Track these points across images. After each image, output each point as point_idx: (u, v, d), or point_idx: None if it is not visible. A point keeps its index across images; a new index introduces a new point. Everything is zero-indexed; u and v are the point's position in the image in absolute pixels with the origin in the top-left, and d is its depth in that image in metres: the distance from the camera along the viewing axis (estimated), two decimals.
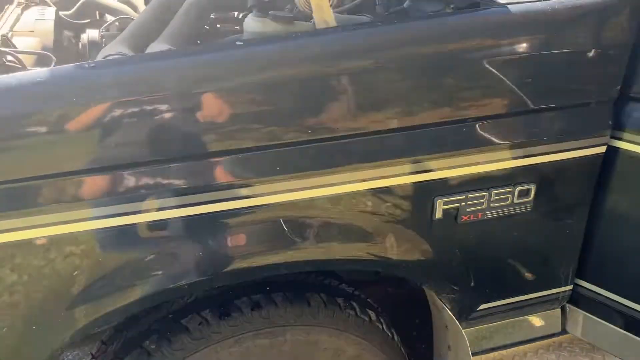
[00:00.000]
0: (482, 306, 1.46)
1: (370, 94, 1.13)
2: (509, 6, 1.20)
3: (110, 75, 0.98)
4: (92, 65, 0.99)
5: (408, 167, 1.18)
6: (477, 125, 1.21)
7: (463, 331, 1.42)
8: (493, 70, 1.19)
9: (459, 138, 1.19)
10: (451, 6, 1.36)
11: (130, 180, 0.99)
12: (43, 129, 0.94)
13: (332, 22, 1.15)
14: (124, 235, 1.02)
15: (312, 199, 1.14)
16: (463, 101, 1.19)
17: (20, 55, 1.42)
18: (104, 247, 1.01)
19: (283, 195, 1.11)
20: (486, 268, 1.39)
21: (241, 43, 1.06)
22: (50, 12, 1.95)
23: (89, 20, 2.34)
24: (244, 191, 1.08)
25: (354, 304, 1.42)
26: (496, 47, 1.18)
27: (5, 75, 0.98)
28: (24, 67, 1.50)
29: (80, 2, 2.34)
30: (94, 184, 0.97)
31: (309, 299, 1.35)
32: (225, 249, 1.10)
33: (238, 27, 1.98)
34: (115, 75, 0.99)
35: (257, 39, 1.26)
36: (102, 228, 1.00)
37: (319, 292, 1.38)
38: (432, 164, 1.19)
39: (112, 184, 0.98)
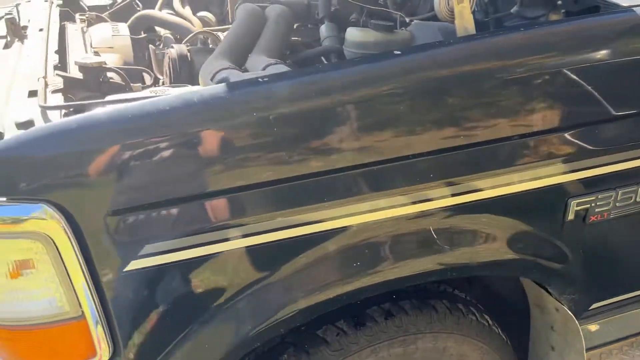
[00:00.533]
0: (597, 304, 1.47)
1: (512, 99, 1.14)
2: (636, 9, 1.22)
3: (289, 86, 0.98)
4: (266, 79, 0.98)
5: (547, 170, 1.20)
6: (608, 127, 1.23)
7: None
8: (621, 73, 1.21)
9: (594, 140, 1.21)
10: (562, 10, 1.39)
11: None
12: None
13: (472, 30, 1.16)
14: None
15: (461, 205, 1.14)
16: (595, 105, 1.21)
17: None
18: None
19: (435, 202, 1.12)
20: (607, 266, 1.40)
21: (399, 52, 1.06)
22: (123, 27, 1.93)
23: (144, 35, 2.32)
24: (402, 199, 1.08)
25: (473, 310, 1.42)
26: (622, 52, 1.20)
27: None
28: (127, 84, 1.48)
29: (134, 17, 2.33)
30: None
31: (435, 306, 1.35)
32: (393, 256, 1.10)
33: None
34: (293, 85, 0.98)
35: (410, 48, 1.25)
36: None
37: (441, 298, 1.39)
38: (569, 166, 1.21)
39: None
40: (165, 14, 2.39)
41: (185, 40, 1.91)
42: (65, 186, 0.89)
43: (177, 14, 2.46)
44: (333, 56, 1.72)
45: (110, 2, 2.54)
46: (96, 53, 1.58)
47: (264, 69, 1.45)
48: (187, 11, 2.51)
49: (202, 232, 0.95)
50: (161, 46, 2.32)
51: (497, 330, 1.47)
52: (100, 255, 0.92)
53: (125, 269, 0.93)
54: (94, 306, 0.94)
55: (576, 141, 1.20)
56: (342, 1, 2.05)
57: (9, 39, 1.73)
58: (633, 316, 1.55)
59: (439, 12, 1.29)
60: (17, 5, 2.39)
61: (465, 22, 1.15)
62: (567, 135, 1.20)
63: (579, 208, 1.26)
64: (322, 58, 1.69)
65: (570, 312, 1.42)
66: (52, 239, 0.89)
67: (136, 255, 0.93)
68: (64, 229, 0.89)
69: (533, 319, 1.61)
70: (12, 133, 1.02)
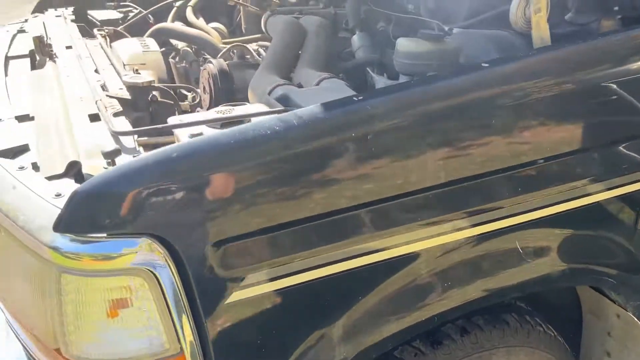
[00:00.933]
0: None
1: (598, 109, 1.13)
2: None
3: None
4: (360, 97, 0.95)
5: (622, 180, 1.19)
6: None
7: None
8: None
9: None
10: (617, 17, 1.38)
11: None
12: None
13: (549, 40, 1.14)
14: None
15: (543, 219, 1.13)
16: None
17: None
18: None
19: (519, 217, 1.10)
20: None
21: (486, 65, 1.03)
22: (152, 42, 1.88)
23: (163, 49, 2.26)
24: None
25: (539, 321, 1.41)
26: None
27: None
28: (176, 103, 1.43)
29: (152, 30, 2.27)
30: None
31: (507, 320, 1.33)
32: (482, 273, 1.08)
33: None
34: None
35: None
36: None
37: (510, 312, 1.37)
38: None
39: None
40: (183, 27, 2.33)
41: (220, 54, 1.86)
42: (166, 219, 0.84)
43: (192, 26, 2.41)
44: (375, 66, 1.69)
45: (121, 15, 2.46)
46: (136, 71, 1.52)
47: (317, 83, 1.42)
48: (201, 22, 2.46)
49: (305, 258, 0.91)
50: (177, 59, 2.26)
51: (562, 340, 1.46)
52: (201, 287, 0.87)
53: (227, 301, 0.89)
54: (193, 342, 0.89)
55: None
56: (369, 10, 2.03)
57: (38, 57, 1.66)
58: None
59: (514, 21, 1.27)
60: (26, 20, 2.31)
61: (542, 33, 1.13)
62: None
63: None
64: (368, 69, 1.66)
65: (635, 318, 1.42)
66: (154, 274, 0.84)
67: (239, 285, 0.89)
68: (167, 263, 0.84)
69: (586, 326, 1.60)
70: (94, 162, 0.96)
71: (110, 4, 2.63)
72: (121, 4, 2.66)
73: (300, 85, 1.45)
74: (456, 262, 1.05)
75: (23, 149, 1.07)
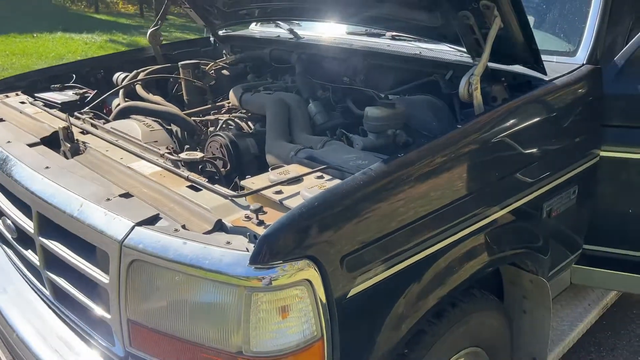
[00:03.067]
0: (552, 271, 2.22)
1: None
2: None
3: None
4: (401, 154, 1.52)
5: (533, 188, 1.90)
6: None
7: None
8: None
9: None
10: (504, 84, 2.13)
11: None
12: None
13: (482, 107, 1.82)
14: None
15: None
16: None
17: None
18: None
19: None
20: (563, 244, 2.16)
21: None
22: (150, 121, 2.23)
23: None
24: None
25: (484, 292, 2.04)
26: None
27: None
28: (224, 169, 1.84)
29: (118, 109, 2.56)
30: None
31: (474, 293, 1.94)
32: None
33: None
34: None
35: None
36: None
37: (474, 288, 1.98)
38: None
39: None
40: (148, 104, 2.66)
41: (218, 127, 2.27)
42: (315, 244, 1.29)
43: (147, 101, 2.74)
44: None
45: (77, 97, 2.70)
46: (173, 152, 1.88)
47: (323, 144, 1.93)
48: (157, 97, 2.81)
49: (392, 258, 1.43)
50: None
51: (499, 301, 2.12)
52: (335, 287, 1.33)
53: (349, 295, 1.36)
54: (329, 327, 1.34)
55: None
56: (307, 82, 2.61)
57: (69, 145, 1.92)
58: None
59: (462, 94, 1.89)
60: None
61: (479, 102, 1.80)
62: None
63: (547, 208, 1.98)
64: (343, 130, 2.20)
65: (544, 279, 2.12)
66: (311, 283, 1.28)
67: (355, 283, 1.37)
68: (318, 274, 1.29)
69: (507, 293, 2.28)
70: (231, 218, 1.38)
71: (55, 86, 2.84)
72: (65, 85, 2.88)
73: (310, 147, 1.94)
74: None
75: (156, 218, 1.43)
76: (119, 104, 2.66)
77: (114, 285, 1.42)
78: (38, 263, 1.75)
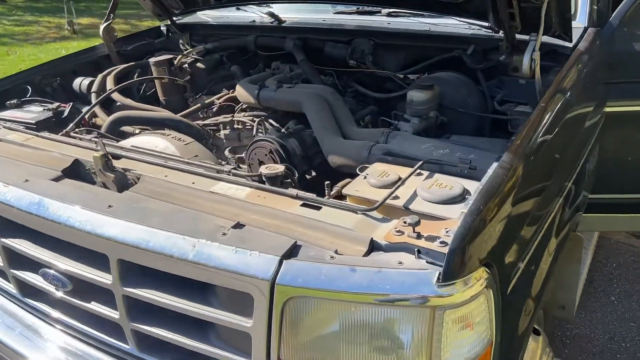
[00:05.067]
0: None
1: None
2: None
3: None
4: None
5: None
6: None
7: None
8: None
9: None
10: None
11: None
12: None
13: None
14: None
15: None
16: None
17: None
18: None
19: None
20: None
21: None
22: (176, 133, 1.99)
23: None
24: None
25: None
26: None
27: None
28: (293, 180, 1.71)
29: (110, 121, 2.29)
30: None
31: None
32: None
33: None
34: None
35: None
36: None
37: None
38: None
39: None
40: (141, 111, 2.38)
41: (242, 133, 2.10)
42: (489, 247, 1.26)
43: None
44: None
45: (50, 114, 2.33)
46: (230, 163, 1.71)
47: (386, 137, 1.86)
48: (142, 104, 2.53)
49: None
50: None
51: None
52: (502, 288, 1.31)
53: (508, 292, 1.35)
54: (498, 328, 1.32)
55: None
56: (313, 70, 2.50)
57: (106, 175, 1.67)
58: None
59: (525, 70, 1.90)
60: None
61: (539, 77, 1.83)
62: None
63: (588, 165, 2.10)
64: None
65: (581, 235, 2.26)
66: (489, 290, 1.25)
67: (510, 279, 1.36)
68: (493, 279, 1.26)
69: None
70: (379, 235, 1.30)
71: (11, 102, 2.44)
72: (23, 100, 2.49)
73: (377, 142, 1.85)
74: None
75: (296, 246, 1.29)
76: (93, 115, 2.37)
77: (260, 328, 1.28)
78: (117, 316, 1.52)
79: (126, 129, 2.40)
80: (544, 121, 1.65)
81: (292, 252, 1.28)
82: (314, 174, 2.13)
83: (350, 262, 1.23)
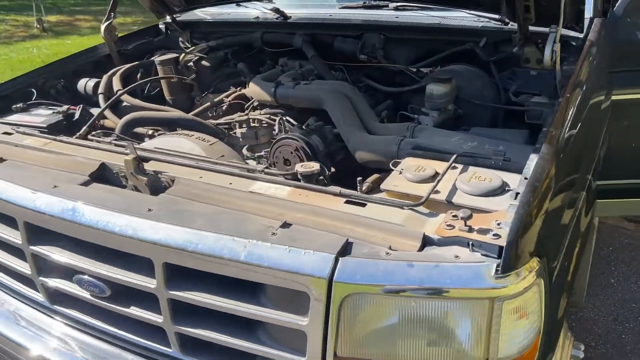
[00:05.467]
0: None
1: None
2: None
3: None
4: None
5: None
6: None
7: None
8: None
9: None
10: None
11: None
12: None
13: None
14: None
15: None
16: None
17: None
18: None
19: None
20: None
21: None
22: (200, 134, 1.98)
23: None
24: None
25: None
26: None
27: None
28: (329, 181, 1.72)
29: (123, 123, 2.26)
30: None
31: None
32: None
33: None
34: None
35: None
36: None
37: None
38: None
39: None
40: (154, 112, 2.35)
41: (259, 131, 2.09)
42: (539, 237, 1.29)
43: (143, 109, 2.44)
44: None
45: (60, 117, 2.29)
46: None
47: (412, 132, 1.88)
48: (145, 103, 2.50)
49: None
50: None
51: None
52: (550, 276, 1.35)
53: (553, 281, 1.38)
54: (546, 316, 1.35)
55: None
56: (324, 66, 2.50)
57: (137, 178, 1.65)
58: None
59: (546, 62, 1.93)
60: None
61: (559, 68, 1.86)
62: None
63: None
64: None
65: (595, 223, 2.32)
66: (541, 279, 1.28)
67: (554, 267, 1.40)
68: (544, 268, 1.29)
69: None
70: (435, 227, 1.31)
71: (17, 106, 2.39)
72: (29, 104, 2.44)
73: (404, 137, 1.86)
74: None
75: (348, 244, 1.30)
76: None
77: (316, 325, 1.29)
78: (160, 320, 1.51)
79: (139, 130, 2.37)
80: (571, 112, 1.69)
81: (346, 249, 1.29)
82: (332, 170, 2.14)
83: (407, 257, 1.25)
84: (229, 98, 2.63)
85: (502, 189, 1.46)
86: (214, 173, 1.66)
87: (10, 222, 1.74)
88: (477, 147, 1.72)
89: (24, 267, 1.77)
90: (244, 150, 2.21)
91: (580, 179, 1.71)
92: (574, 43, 2.17)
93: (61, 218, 1.57)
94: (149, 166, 1.72)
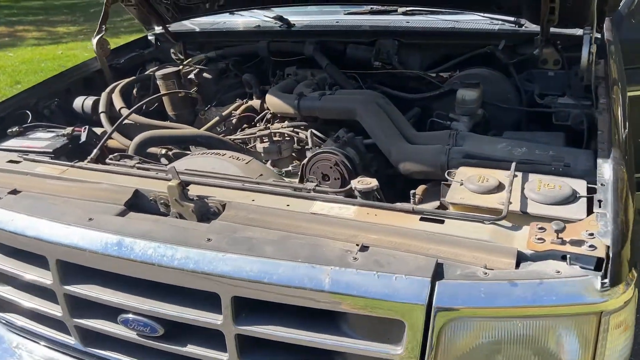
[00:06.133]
0: None
1: None
2: None
3: None
4: None
5: None
6: None
7: None
8: None
9: None
10: None
11: None
12: None
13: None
14: None
15: None
16: None
17: None
18: None
19: None
20: None
21: None
22: (232, 153, 1.87)
23: None
24: None
25: None
26: None
27: None
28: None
29: (136, 143, 2.13)
30: None
31: None
32: None
33: None
34: None
35: None
36: None
37: None
38: None
39: None
40: (167, 130, 2.22)
41: (282, 145, 2.00)
42: (635, 246, 1.25)
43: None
44: None
45: (65, 140, 2.12)
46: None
47: (455, 140, 1.83)
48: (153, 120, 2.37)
49: None
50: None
51: None
52: None
53: None
54: None
55: None
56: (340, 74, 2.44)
57: (182, 205, 1.53)
58: None
59: (583, 64, 1.91)
60: None
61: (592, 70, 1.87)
62: None
63: None
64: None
65: None
66: (637, 288, 1.25)
67: None
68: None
69: None
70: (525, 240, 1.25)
71: (12, 130, 2.21)
72: (25, 127, 2.25)
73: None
74: None
75: (440, 265, 1.24)
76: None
77: (412, 354, 1.21)
78: (226, 357, 1.40)
79: (151, 150, 2.23)
80: (619, 111, 1.68)
81: (438, 271, 1.22)
82: None
83: (508, 276, 1.19)
84: (238, 111, 2.52)
85: (574, 196, 1.43)
86: (264, 194, 1.56)
87: (33, 259, 1.58)
88: (528, 153, 1.68)
89: (54, 309, 1.61)
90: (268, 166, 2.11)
91: (632, 178, 1.71)
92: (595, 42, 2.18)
93: (104, 254, 1.43)
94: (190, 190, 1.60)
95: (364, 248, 1.30)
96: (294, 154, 2.23)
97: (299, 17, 2.76)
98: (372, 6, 2.63)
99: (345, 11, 2.71)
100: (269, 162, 2.16)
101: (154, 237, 1.41)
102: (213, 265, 1.32)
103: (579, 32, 2.19)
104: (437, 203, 1.71)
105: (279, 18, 2.71)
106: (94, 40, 2.66)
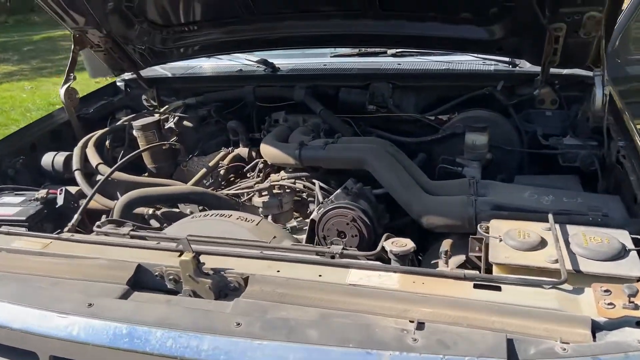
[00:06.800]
0: None
1: None
2: None
3: None
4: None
5: None
6: None
7: None
8: None
9: None
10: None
11: None
12: None
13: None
14: None
15: None
16: None
17: None
18: None
19: None
20: None
21: None
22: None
23: None
24: None
25: None
26: None
27: None
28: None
29: (122, 203, 1.92)
30: None
31: None
32: None
33: None
34: None
35: None
36: None
37: None
38: None
39: None
40: (154, 188, 2.01)
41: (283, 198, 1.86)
42: None
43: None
44: None
45: (39, 205, 1.89)
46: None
47: (475, 189, 1.73)
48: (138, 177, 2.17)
49: None
50: None
51: None
52: None
53: None
54: None
55: None
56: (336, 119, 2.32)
57: (196, 291, 1.35)
58: None
59: (598, 106, 1.86)
60: None
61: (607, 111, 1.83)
62: None
63: None
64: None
65: None
66: None
67: None
68: None
69: None
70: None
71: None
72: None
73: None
74: None
75: (510, 342, 1.11)
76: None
77: None
78: None
79: (137, 210, 2.02)
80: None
81: (512, 350, 1.09)
82: None
83: (589, 351, 1.07)
84: (225, 161, 2.35)
85: (624, 250, 1.35)
86: (289, 263, 1.39)
87: (21, 357, 1.34)
88: (557, 201, 1.60)
89: None
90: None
91: None
92: (590, 82, 2.17)
93: (112, 347, 1.22)
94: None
95: (420, 325, 1.16)
96: (292, 207, 2.08)
97: (283, 60, 2.64)
98: (360, 48, 2.55)
99: (332, 54, 2.61)
100: (269, 217, 2.00)
101: (172, 323, 1.21)
102: (248, 357, 1.14)
103: (576, 71, 2.18)
104: (462, 257, 1.60)
105: (263, 62, 2.58)
106: (62, 91, 2.44)
